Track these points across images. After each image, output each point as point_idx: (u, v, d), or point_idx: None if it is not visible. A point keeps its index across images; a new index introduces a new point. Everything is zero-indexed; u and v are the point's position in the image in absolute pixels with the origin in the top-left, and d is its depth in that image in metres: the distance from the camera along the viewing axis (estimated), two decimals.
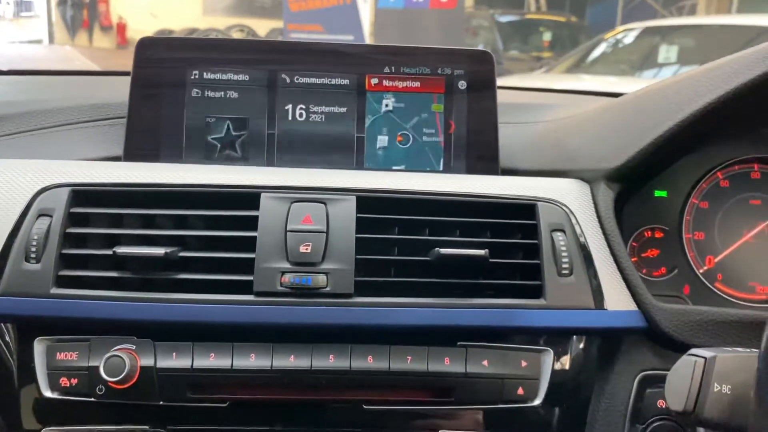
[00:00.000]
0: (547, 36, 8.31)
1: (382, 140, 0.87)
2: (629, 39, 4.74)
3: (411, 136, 0.87)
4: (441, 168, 0.87)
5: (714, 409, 0.52)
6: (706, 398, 0.52)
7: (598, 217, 0.77)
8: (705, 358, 0.53)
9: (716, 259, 0.83)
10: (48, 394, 0.69)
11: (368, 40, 5.67)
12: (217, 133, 0.85)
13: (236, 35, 9.26)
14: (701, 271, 0.82)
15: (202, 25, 9.26)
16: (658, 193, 0.84)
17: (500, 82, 0.89)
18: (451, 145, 0.87)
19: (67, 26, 9.97)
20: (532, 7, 9.54)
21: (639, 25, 4.78)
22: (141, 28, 9.67)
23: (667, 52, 4.36)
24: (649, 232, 0.83)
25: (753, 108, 0.74)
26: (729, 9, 8.12)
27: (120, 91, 0.88)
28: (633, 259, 0.81)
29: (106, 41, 9.98)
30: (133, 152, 0.83)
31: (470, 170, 0.86)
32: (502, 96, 0.88)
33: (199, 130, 0.85)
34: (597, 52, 4.71)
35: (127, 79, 0.85)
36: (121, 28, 9.72)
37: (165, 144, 0.84)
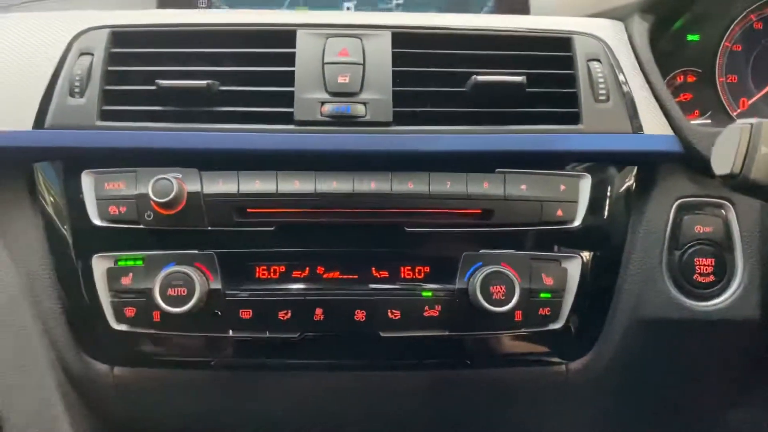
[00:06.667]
0: None
1: None
2: None
3: None
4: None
5: (761, 170, 0.52)
6: (753, 160, 0.52)
7: (633, 48, 0.77)
8: (751, 123, 0.53)
9: (749, 102, 0.83)
10: (97, 222, 0.71)
11: None
12: None
13: None
14: (735, 113, 0.82)
15: None
16: (690, 37, 0.83)
17: None
18: None
19: None
20: None
21: None
22: None
23: None
24: (682, 76, 0.83)
25: None
26: None
27: None
28: None
29: None
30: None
31: (500, 10, 0.86)
32: None
33: None
34: None
35: None
36: None
37: None
